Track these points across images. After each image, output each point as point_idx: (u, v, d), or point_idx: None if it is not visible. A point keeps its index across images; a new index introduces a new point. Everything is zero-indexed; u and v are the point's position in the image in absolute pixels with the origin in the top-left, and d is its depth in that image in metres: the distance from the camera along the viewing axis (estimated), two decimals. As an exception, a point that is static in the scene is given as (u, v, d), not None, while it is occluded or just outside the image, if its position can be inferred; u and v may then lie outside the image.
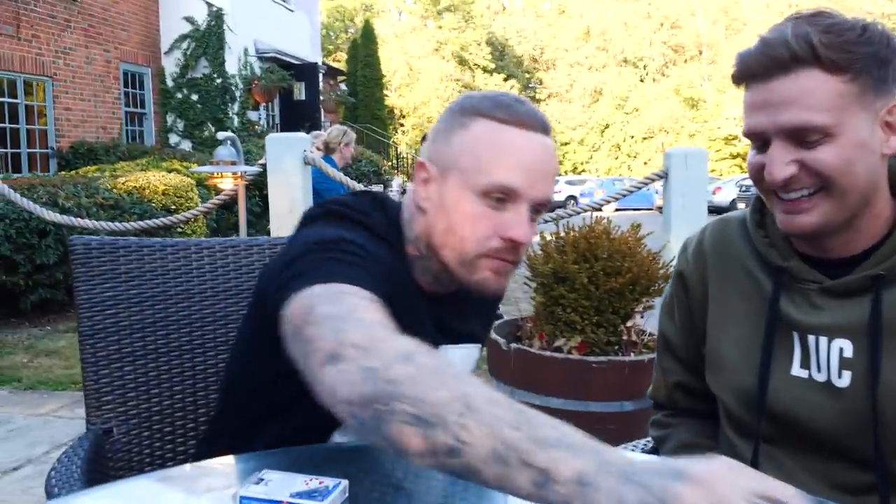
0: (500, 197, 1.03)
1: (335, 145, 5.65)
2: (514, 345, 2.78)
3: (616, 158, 46.49)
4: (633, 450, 1.38)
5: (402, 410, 0.67)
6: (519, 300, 3.59)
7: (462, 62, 48.57)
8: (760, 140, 1.04)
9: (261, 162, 3.95)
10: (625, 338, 2.79)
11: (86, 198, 6.32)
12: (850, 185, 1.00)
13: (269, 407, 1.12)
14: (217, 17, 13.65)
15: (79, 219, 4.29)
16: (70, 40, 11.08)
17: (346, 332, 0.78)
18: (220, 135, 3.98)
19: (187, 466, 0.98)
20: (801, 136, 0.99)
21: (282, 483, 0.87)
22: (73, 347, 5.14)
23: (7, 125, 10.14)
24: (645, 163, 43.54)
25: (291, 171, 3.78)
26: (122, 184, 7.15)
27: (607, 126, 47.13)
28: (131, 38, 12.66)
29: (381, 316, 0.84)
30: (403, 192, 8.04)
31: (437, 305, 1.15)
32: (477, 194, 1.03)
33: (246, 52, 14.62)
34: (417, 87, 44.92)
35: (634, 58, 49.98)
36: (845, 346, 1.06)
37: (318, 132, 6.34)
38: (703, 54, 47.46)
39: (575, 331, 2.73)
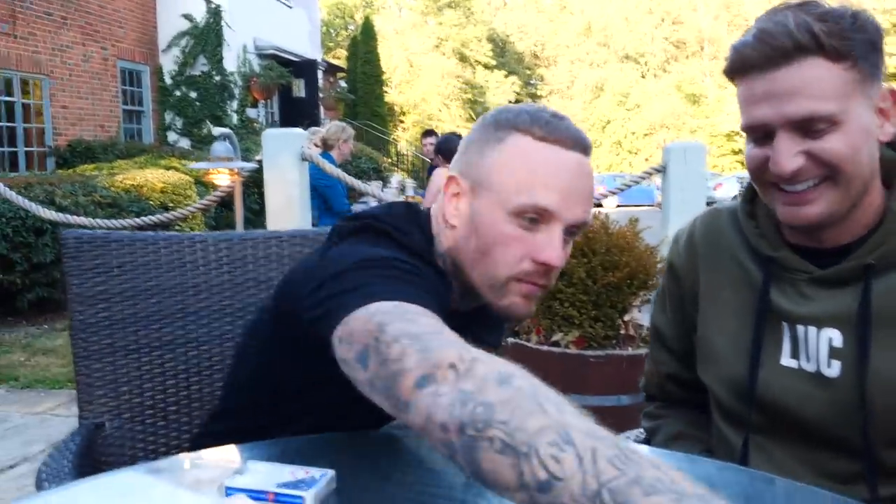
0: (534, 218, 0.99)
1: (333, 142, 5.65)
2: (511, 339, 2.78)
3: (617, 155, 46.44)
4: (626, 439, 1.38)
5: (495, 437, 0.63)
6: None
7: (463, 59, 48.52)
8: (762, 132, 1.03)
9: (257, 158, 3.95)
10: (622, 332, 2.79)
11: (83, 196, 6.33)
12: (856, 173, 1.00)
13: (287, 413, 1.09)
14: (215, 14, 13.62)
15: (75, 217, 4.30)
16: (67, 38, 11.07)
17: (434, 352, 0.74)
18: (216, 130, 3.98)
19: (176, 458, 0.98)
20: (808, 126, 0.98)
21: (268, 473, 0.87)
22: (70, 346, 5.15)
23: (4, 124, 10.13)
24: (646, 159, 43.41)
25: (288, 168, 3.78)
26: (120, 182, 7.16)
27: (608, 122, 47.09)
28: (128, 35, 12.64)
29: (456, 335, 0.79)
30: (402, 189, 8.04)
31: (460, 320, 1.11)
32: (510, 214, 1.00)
33: (245, 49, 14.60)
34: (418, 83, 44.85)
35: (636, 54, 49.95)
36: (835, 336, 1.06)
37: (315, 129, 6.34)
38: (705, 50, 47.42)
39: (573, 325, 2.74)
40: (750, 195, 1.18)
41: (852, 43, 0.98)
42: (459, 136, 6.13)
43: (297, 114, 15.81)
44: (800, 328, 1.09)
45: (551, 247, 0.99)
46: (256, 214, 8.62)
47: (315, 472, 0.88)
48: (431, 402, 0.69)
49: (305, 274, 1.01)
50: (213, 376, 1.48)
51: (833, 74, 0.97)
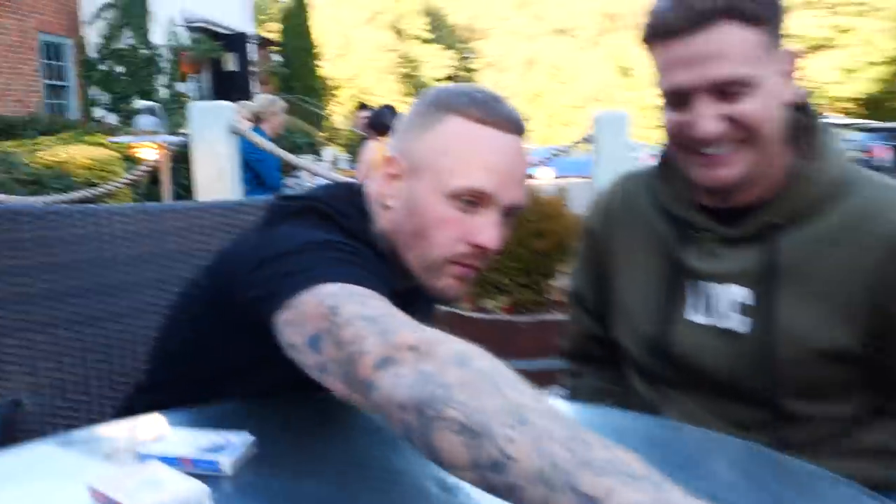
0: (472, 200, 0.99)
1: (264, 115, 5.55)
2: (444, 307, 2.80)
3: (550, 127, 46.80)
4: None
5: (452, 418, 0.63)
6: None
7: (398, 32, 48.02)
8: (679, 97, 1.04)
9: (183, 131, 3.86)
10: (551, 298, 2.84)
11: (2, 173, 6.09)
12: (770, 134, 1.03)
13: (219, 389, 1.06)
14: (140, -16, 13.15)
15: (-5, 194, 4.14)
16: (-18, 10, 10.58)
17: (392, 334, 0.74)
18: (140, 103, 3.89)
19: (91, 429, 0.96)
20: (726, 90, 1.01)
21: (185, 439, 0.86)
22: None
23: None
24: (579, 132, 43.87)
25: (217, 141, 3.71)
26: (42, 158, 6.90)
27: (541, 94, 47.36)
28: (48, 6, 12.09)
29: (408, 316, 0.79)
30: (335, 162, 7.96)
31: (397, 300, 1.11)
32: (447, 196, 0.99)
33: (173, 21, 14.14)
34: (353, 57, 44.26)
35: (569, 27, 50.17)
36: (743, 293, 1.10)
37: (246, 102, 6.21)
38: (638, 21, 47.84)
39: (502, 292, 2.78)
40: (663, 159, 1.21)
41: (762, 6, 1.00)
42: (392, 109, 6.08)
43: (229, 88, 15.40)
44: (710, 285, 1.12)
45: (488, 230, 1.00)
46: (187, 190, 8.42)
47: (234, 437, 0.87)
48: (391, 383, 0.70)
49: (245, 252, 0.99)
50: (136, 350, 1.45)
51: (747, 38, 1.00)
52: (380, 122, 5.75)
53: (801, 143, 1.10)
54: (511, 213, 1.04)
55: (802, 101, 1.10)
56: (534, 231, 2.78)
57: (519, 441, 0.60)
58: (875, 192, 1.06)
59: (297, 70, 19.77)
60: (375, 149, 5.53)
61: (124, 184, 4.11)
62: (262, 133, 5.17)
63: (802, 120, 1.11)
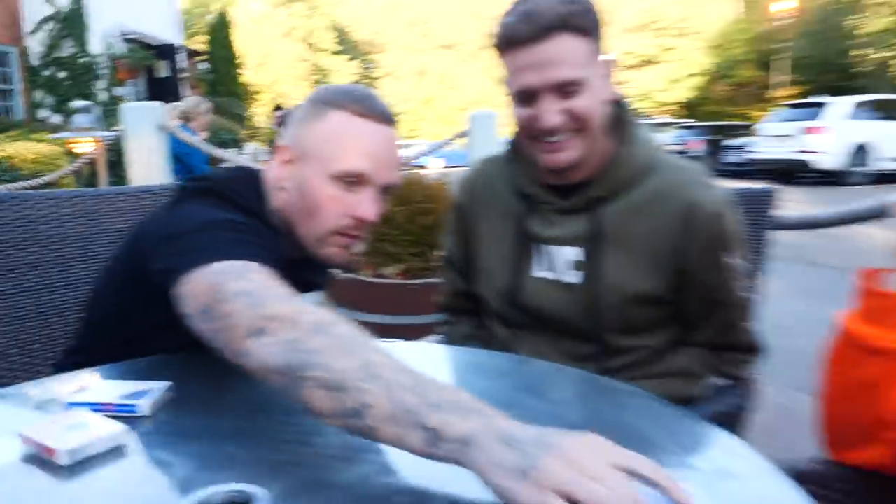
0: (352, 181, 0.99)
1: (192, 115, 5.29)
2: (349, 275, 2.77)
3: (438, 125, 46.88)
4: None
5: (314, 377, 0.64)
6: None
7: (310, 45, 46.71)
8: (527, 96, 1.06)
9: (116, 128, 3.63)
10: (435, 265, 2.85)
11: (-47, 168, 5.58)
12: (597, 125, 1.06)
13: (138, 351, 1.02)
14: (78, 1, 12.20)
15: (-57, 185, 3.79)
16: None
17: (264, 307, 0.73)
18: (77, 103, 3.63)
19: (21, 385, 0.89)
20: (564, 89, 1.02)
21: (108, 389, 0.83)
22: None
23: None
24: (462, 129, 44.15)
25: (147, 137, 3.51)
26: (-10, 153, 6.36)
27: (432, 99, 47.32)
28: (-6, 18, 11.10)
29: (287, 290, 0.78)
30: (255, 155, 7.71)
31: (293, 266, 1.08)
32: (331, 178, 0.99)
33: (110, 33, 13.23)
34: (272, 67, 42.80)
35: (454, 42, 50.16)
36: (575, 252, 1.13)
37: (176, 103, 5.90)
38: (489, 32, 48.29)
39: (397, 261, 2.77)
40: (512, 146, 1.23)
41: (590, 22, 1.03)
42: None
43: (162, 92, 14.57)
44: (550, 248, 1.16)
45: (367, 205, 1.00)
46: (124, 181, 7.97)
47: (153, 384, 0.84)
48: (264, 350, 0.70)
49: (154, 230, 0.95)
50: (70, 317, 1.37)
51: (579, 47, 1.02)
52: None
53: (618, 133, 1.14)
54: (387, 191, 1.04)
55: (619, 99, 1.15)
56: (421, 210, 2.79)
57: (372, 391, 0.62)
58: (673, 174, 1.11)
59: (221, 77, 18.95)
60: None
61: (65, 174, 3.84)
62: (190, 131, 4.94)
63: (619, 114, 1.15)
